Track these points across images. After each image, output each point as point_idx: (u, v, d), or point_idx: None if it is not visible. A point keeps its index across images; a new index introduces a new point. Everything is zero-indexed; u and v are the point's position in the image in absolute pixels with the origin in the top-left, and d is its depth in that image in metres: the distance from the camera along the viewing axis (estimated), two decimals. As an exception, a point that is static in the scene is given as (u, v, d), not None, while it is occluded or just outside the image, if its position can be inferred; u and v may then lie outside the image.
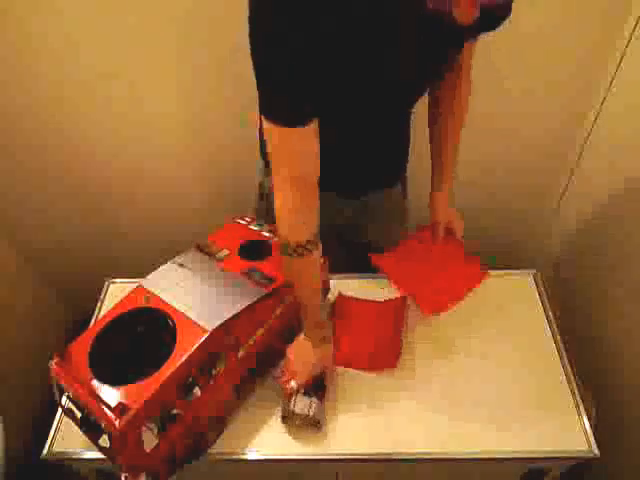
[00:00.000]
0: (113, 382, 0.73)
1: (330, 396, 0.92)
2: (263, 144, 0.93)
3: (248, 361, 0.87)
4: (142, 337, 0.83)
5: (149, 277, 0.87)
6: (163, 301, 0.82)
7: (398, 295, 1.07)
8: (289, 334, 0.94)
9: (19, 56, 1.10)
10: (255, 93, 0.66)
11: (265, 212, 1.09)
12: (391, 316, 1.04)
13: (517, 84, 1.16)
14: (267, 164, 0.99)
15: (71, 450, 0.89)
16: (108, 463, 0.78)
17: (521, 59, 1.11)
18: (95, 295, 1.14)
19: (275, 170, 0.70)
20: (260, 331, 0.87)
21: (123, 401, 0.69)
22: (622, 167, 1.14)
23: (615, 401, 1.15)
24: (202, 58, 1.11)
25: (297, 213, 0.71)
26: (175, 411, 0.75)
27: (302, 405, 0.85)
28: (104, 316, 0.83)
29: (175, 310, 0.80)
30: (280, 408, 0.89)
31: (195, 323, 0.77)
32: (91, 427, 0.76)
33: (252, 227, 1.01)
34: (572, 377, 0.94)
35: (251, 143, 0.97)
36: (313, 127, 0.66)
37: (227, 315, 0.79)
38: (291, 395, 0.88)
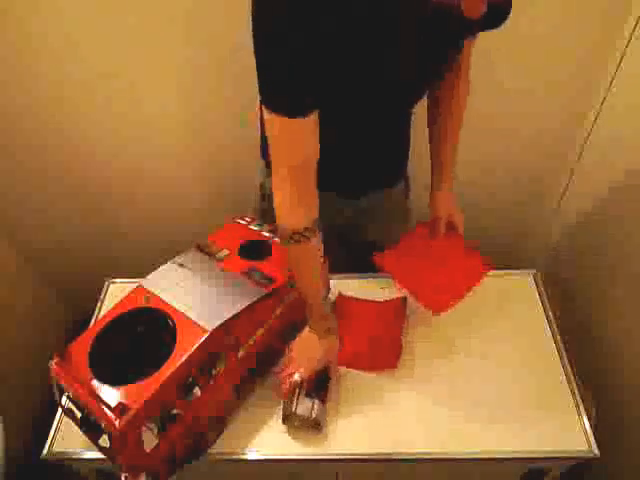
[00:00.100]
0: (113, 382, 0.73)
1: (330, 396, 0.92)
2: (264, 144, 0.93)
3: (248, 361, 0.87)
4: (142, 337, 0.83)
5: (149, 277, 0.87)
6: (163, 301, 0.82)
7: (398, 295, 1.07)
8: (289, 334, 0.94)
9: (19, 56, 1.10)
10: (255, 93, 0.66)
11: (266, 213, 1.09)
12: (391, 316, 1.04)
13: (517, 84, 1.16)
14: (268, 164, 0.99)
15: (71, 450, 0.89)
16: (108, 463, 0.78)
17: (521, 59, 1.11)
18: (95, 295, 1.14)
19: (274, 159, 0.70)
20: (260, 331, 0.87)
21: (123, 401, 0.69)
22: (622, 167, 1.14)
23: (615, 401, 1.15)
24: (202, 58, 1.11)
25: (295, 200, 0.71)
26: (175, 411, 0.75)
27: (304, 406, 0.85)
28: (104, 316, 0.83)
29: (175, 310, 0.80)
30: (280, 408, 0.89)
31: (195, 323, 0.77)
32: (91, 427, 0.76)
33: (252, 227, 1.01)
34: (572, 377, 0.94)
35: (251, 143, 0.97)
36: (313, 118, 0.66)
37: (227, 315, 0.79)
38: (294, 390, 0.87)
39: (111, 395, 0.71)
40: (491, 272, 1.11)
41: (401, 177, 1.08)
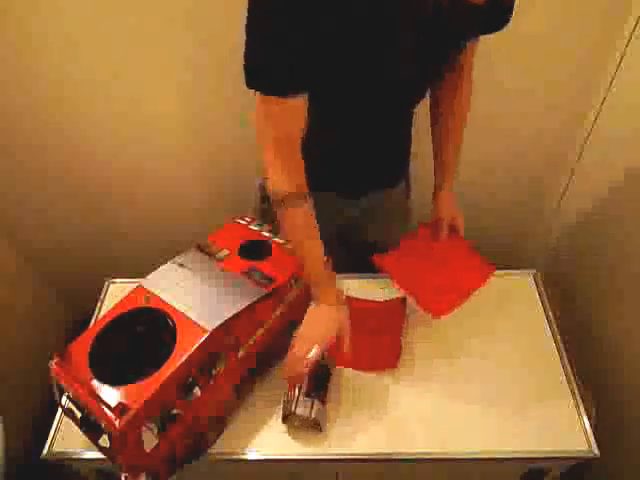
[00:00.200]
0: (113, 382, 0.73)
1: (330, 396, 0.92)
2: None
3: (248, 361, 0.87)
4: (142, 337, 0.83)
5: (149, 277, 0.87)
6: (163, 301, 0.82)
7: (398, 295, 1.07)
8: (289, 334, 0.94)
9: (19, 56, 1.10)
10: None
11: (266, 213, 1.09)
12: (391, 316, 1.04)
13: (517, 84, 1.16)
14: None
15: (71, 450, 0.89)
16: (108, 463, 0.78)
17: (521, 59, 1.11)
18: (95, 295, 1.14)
19: (259, 132, 0.72)
20: (260, 331, 0.87)
21: (123, 401, 0.69)
22: (622, 167, 1.14)
23: (615, 401, 1.15)
24: (202, 58, 1.11)
25: (280, 167, 0.74)
26: (175, 411, 0.75)
27: (304, 406, 0.85)
28: (104, 316, 0.83)
29: (175, 310, 0.80)
30: (280, 408, 0.89)
31: (195, 323, 0.77)
32: (91, 427, 0.76)
33: (252, 227, 1.01)
34: (572, 377, 0.94)
35: (251, 143, 0.96)
36: (300, 100, 0.68)
37: (227, 315, 0.79)
38: (298, 386, 0.86)
39: (111, 395, 0.71)
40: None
41: (402, 177, 1.07)
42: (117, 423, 0.67)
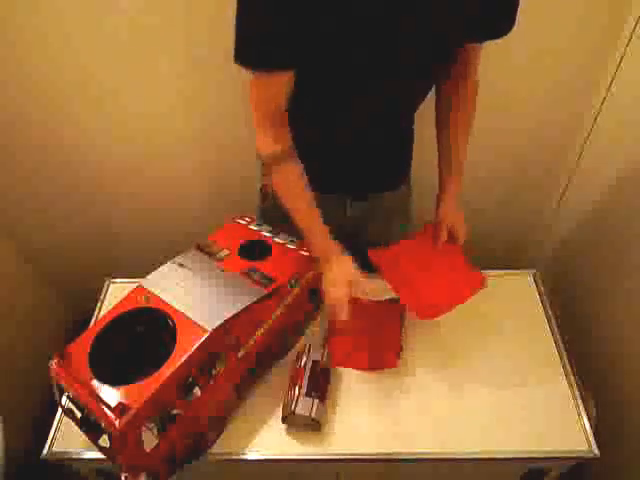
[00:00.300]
0: (113, 382, 0.73)
1: (330, 396, 0.92)
2: None
3: (248, 361, 0.87)
4: (142, 337, 0.83)
5: (149, 277, 0.87)
6: (163, 301, 0.82)
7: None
8: (289, 334, 0.94)
9: (19, 56, 1.10)
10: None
11: (266, 213, 1.09)
12: (391, 316, 1.04)
13: (517, 84, 1.16)
14: None
15: (71, 450, 0.89)
16: (108, 463, 0.78)
17: (521, 59, 1.11)
18: (95, 295, 1.14)
19: (250, 98, 0.77)
20: (260, 331, 0.87)
21: (123, 401, 0.69)
22: (622, 167, 1.14)
23: (615, 401, 1.15)
24: (202, 58, 1.10)
25: (266, 132, 0.79)
26: (175, 411, 0.75)
27: (304, 406, 0.85)
28: (104, 316, 0.83)
29: (175, 310, 0.80)
30: (280, 408, 0.89)
31: (195, 323, 0.77)
32: (91, 427, 0.76)
33: (252, 227, 1.01)
34: (572, 377, 0.94)
35: (251, 143, 0.97)
36: (286, 78, 0.72)
37: (227, 315, 0.79)
38: (295, 387, 0.87)
39: (111, 395, 0.71)
40: (491, 272, 1.11)
41: (403, 181, 1.07)
42: (117, 423, 0.67)
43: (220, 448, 0.87)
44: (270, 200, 1.07)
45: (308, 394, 0.86)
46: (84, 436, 0.79)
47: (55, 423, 0.93)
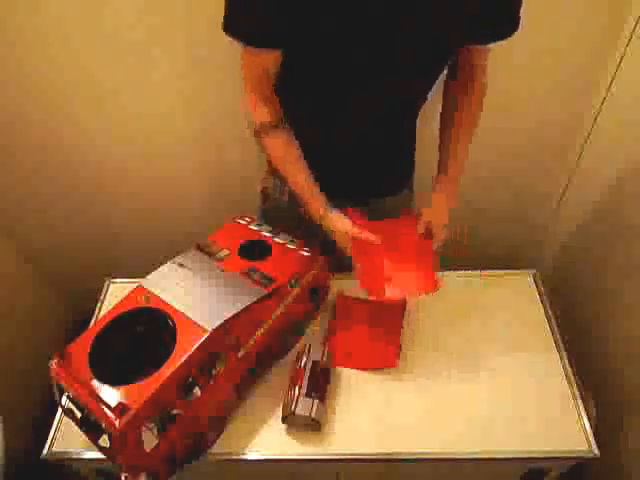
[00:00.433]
0: (113, 382, 0.73)
1: (330, 396, 0.92)
2: None
3: (248, 361, 0.87)
4: (142, 337, 0.83)
5: (149, 277, 0.87)
6: (163, 301, 0.82)
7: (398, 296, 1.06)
8: (289, 334, 0.94)
9: (19, 56, 1.10)
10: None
11: (267, 213, 1.09)
12: (391, 316, 1.04)
13: (517, 84, 1.16)
14: (270, 163, 0.99)
15: (71, 450, 0.89)
16: (108, 463, 0.78)
17: (521, 59, 1.11)
18: (95, 295, 1.14)
19: (242, 70, 0.80)
20: (260, 331, 0.87)
21: (123, 401, 0.69)
22: (622, 167, 1.14)
23: (615, 401, 1.15)
24: (202, 58, 1.11)
25: (256, 101, 0.83)
26: (175, 411, 0.75)
27: (304, 406, 0.85)
28: (104, 316, 0.83)
29: (175, 310, 0.80)
30: (280, 408, 0.89)
31: (195, 323, 0.77)
32: (91, 427, 0.76)
33: (252, 227, 1.01)
34: (572, 377, 0.94)
35: (251, 143, 0.97)
36: (273, 55, 0.76)
37: (227, 315, 0.79)
38: (295, 389, 0.87)
39: (111, 395, 0.71)
40: (491, 272, 1.11)
41: (405, 185, 1.07)
42: (117, 423, 0.67)
43: (220, 448, 0.87)
44: (271, 201, 1.07)
45: (308, 394, 0.86)
46: (84, 436, 0.79)
47: (55, 423, 0.93)
